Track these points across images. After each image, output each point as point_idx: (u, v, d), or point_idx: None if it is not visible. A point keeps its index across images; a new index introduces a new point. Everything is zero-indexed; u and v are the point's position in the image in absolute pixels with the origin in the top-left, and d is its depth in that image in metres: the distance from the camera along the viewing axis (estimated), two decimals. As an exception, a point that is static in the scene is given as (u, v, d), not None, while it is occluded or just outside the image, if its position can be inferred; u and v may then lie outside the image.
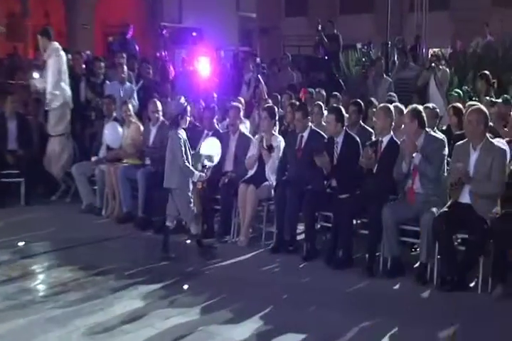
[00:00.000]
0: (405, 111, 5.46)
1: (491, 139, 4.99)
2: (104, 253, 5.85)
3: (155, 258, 5.59)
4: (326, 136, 6.02)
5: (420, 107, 5.39)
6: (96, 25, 15.88)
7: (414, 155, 5.13)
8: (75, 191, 7.68)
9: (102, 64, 8.75)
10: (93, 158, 7.50)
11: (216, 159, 5.82)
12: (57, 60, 7.73)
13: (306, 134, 6.10)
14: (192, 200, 5.60)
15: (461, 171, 4.84)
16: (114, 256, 5.75)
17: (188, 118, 5.67)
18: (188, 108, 5.65)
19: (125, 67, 8.59)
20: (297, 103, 6.97)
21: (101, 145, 7.53)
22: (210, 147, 5.82)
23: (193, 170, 5.56)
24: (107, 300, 4.65)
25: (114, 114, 7.63)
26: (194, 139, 6.20)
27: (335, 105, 6.20)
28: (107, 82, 8.59)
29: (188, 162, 5.54)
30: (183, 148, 5.49)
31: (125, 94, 8.28)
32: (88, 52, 10.24)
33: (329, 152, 5.75)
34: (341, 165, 5.72)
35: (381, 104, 5.91)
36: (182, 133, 5.57)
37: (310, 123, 6.21)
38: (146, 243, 6.22)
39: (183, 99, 5.62)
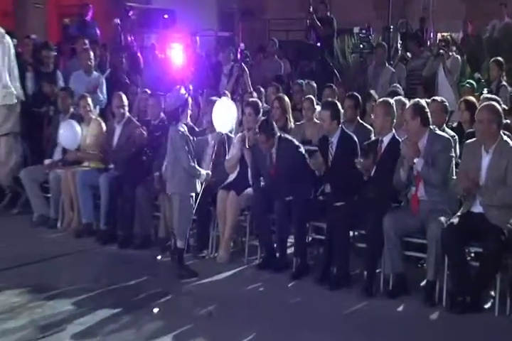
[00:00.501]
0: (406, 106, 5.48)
1: (506, 138, 5.00)
2: (59, 273, 5.82)
3: (119, 277, 5.58)
4: (296, 143, 6.02)
5: (423, 102, 5.39)
6: (49, 5, 15.76)
7: (415, 161, 5.13)
8: (25, 200, 7.63)
9: (51, 52, 8.68)
10: (46, 161, 7.46)
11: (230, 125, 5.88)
12: (1, 47, 7.68)
13: (274, 150, 6.01)
14: (194, 211, 5.62)
15: (470, 181, 4.86)
16: (71, 276, 5.72)
17: (190, 112, 5.72)
18: (190, 100, 5.69)
19: (91, 54, 8.57)
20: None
21: (56, 146, 7.50)
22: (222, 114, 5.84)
23: (200, 169, 5.62)
24: (62, 328, 4.61)
25: (72, 110, 7.59)
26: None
27: (330, 99, 6.22)
28: (58, 72, 8.51)
29: (194, 161, 5.57)
30: (187, 147, 5.52)
31: (92, 86, 8.24)
32: (33, 36, 10.14)
33: (323, 153, 5.77)
34: (336, 168, 5.75)
35: (380, 99, 5.92)
36: (184, 129, 5.60)
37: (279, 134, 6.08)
38: (109, 259, 6.20)
39: (183, 90, 5.65)
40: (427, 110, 5.31)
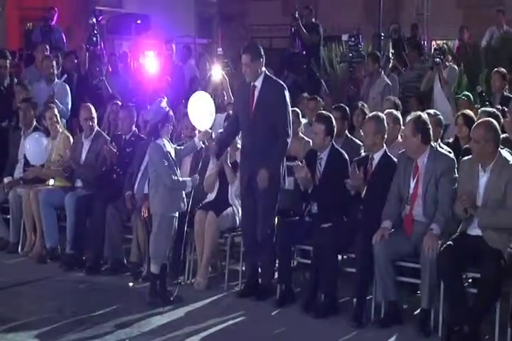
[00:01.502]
0: (406, 119, 5.47)
1: (505, 154, 5.04)
2: (20, 302, 5.78)
3: (86, 306, 5.56)
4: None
5: (424, 116, 5.41)
6: (9, 7, 15.71)
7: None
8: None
9: (7, 61, 8.67)
10: (6, 179, 7.44)
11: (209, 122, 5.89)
12: None
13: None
14: (171, 233, 5.66)
15: (466, 200, 4.91)
16: (33, 306, 5.68)
17: (171, 127, 5.77)
18: (171, 113, 5.76)
19: (54, 62, 8.59)
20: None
21: (16, 162, 7.48)
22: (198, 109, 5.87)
23: (184, 179, 5.69)
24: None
25: (35, 124, 7.58)
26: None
27: (324, 113, 6.28)
28: (15, 81, 8.45)
29: (176, 174, 5.63)
30: (166, 162, 5.57)
31: (49, 96, 8.24)
32: None
33: (310, 169, 5.81)
34: (324, 186, 5.78)
35: (370, 114, 5.96)
36: (166, 145, 5.66)
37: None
38: (75, 287, 6.18)
39: (164, 103, 5.70)
40: (429, 126, 5.32)
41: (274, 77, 5.98)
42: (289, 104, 5.91)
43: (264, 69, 5.88)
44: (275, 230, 5.90)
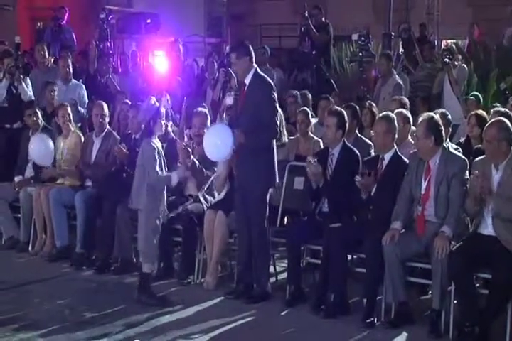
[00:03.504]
0: (417, 120, 5.43)
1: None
2: (30, 301, 5.78)
3: (96, 305, 5.56)
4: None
5: (437, 117, 5.37)
6: (20, 7, 15.73)
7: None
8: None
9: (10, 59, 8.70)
10: (16, 179, 7.45)
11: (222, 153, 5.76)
12: None
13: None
14: (159, 230, 5.63)
15: (480, 185, 4.86)
16: (43, 304, 5.69)
17: (163, 122, 5.74)
18: (163, 109, 5.73)
19: (69, 62, 8.62)
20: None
21: (27, 162, 7.49)
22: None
23: (168, 174, 5.66)
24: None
25: (42, 124, 7.57)
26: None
27: (336, 107, 6.26)
28: (25, 82, 8.47)
29: (162, 170, 5.61)
30: (157, 162, 5.57)
31: (70, 96, 8.26)
32: (18, 39, 10.22)
33: (321, 165, 5.76)
34: (335, 182, 5.76)
35: (380, 115, 5.93)
36: (156, 143, 5.65)
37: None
38: (85, 286, 6.18)
39: (153, 100, 5.68)
40: (442, 127, 5.29)
41: (263, 75, 5.86)
42: (276, 101, 5.81)
43: (254, 66, 5.79)
44: (267, 233, 5.84)
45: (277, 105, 5.85)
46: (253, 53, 5.81)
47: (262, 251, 5.80)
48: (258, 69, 5.86)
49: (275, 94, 5.80)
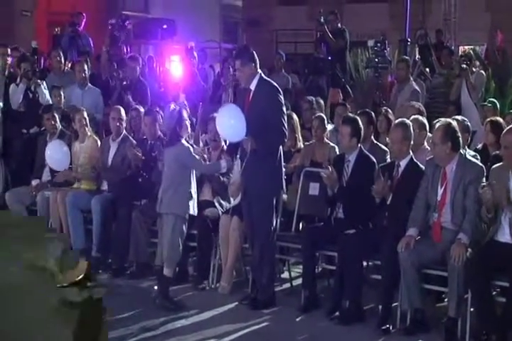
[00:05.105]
0: (434, 126, 5.42)
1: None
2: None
3: (111, 309, 5.55)
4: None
5: (454, 123, 5.35)
6: (38, 12, 15.81)
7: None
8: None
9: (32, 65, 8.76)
10: (33, 182, 7.49)
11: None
12: None
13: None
14: (184, 234, 5.73)
15: (496, 193, 4.83)
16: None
17: (188, 123, 5.85)
18: (184, 113, 5.85)
19: (86, 67, 8.69)
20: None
21: (44, 166, 7.53)
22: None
23: (218, 162, 6.04)
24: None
25: (60, 128, 7.62)
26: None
27: (350, 115, 6.26)
28: (43, 85, 8.53)
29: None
30: (196, 156, 5.83)
31: (88, 102, 8.31)
32: (34, 44, 10.25)
33: (337, 172, 5.77)
34: (351, 190, 5.76)
35: (396, 121, 5.91)
36: (187, 144, 5.82)
37: None
38: (100, 290, 6.19)
39: (172, 106, 5.75)
40: (459, 134, 5.27)
41: (268, 79, 5.87)
42: (283, 104, 5.81)
43: (259, 72, 5.79)
44: (274, 239, 5.84)
45: (284, 108, 5.85)
46: (257, 59, 5.80)
47: (266, 258, 5.75)
48: (263, 74, 5.87)
49: (282, 98, 5.80)
